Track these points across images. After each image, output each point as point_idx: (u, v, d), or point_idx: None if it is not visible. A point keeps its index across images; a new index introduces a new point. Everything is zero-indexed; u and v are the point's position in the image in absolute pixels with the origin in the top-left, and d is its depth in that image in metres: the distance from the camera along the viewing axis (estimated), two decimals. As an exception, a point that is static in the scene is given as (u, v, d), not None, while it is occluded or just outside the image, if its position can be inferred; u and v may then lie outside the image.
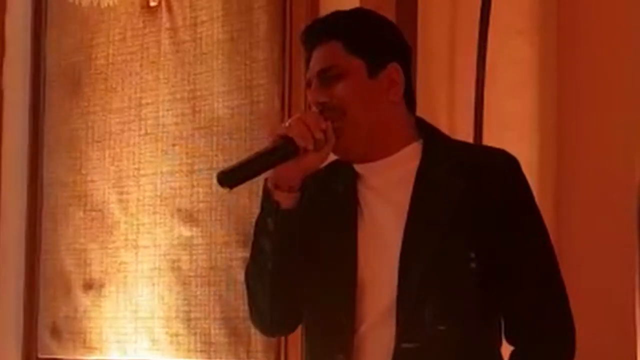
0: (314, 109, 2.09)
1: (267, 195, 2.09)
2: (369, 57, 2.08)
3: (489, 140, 2.94)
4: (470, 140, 2.96)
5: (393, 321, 2.02)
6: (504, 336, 2.10)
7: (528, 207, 2.10)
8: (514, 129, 3.02)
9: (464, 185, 2.05)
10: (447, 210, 2.04)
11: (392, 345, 2.01)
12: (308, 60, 2.14)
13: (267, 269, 2.10)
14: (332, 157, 2.13)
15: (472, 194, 2.04)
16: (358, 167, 2.12)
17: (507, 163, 2.10)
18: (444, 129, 3.00)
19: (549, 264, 2.10)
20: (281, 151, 2.05)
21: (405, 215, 2.05)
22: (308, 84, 2.13)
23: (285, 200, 2.06)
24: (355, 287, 2.06)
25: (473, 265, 2.02)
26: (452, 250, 2.03)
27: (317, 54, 2.11)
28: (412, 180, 2.07)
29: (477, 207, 2.04)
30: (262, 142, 3.34)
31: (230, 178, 2.05)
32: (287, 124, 2.06)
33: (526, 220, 2.09)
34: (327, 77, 2.08)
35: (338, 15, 2.16)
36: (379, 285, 2.05)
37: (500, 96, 3.03)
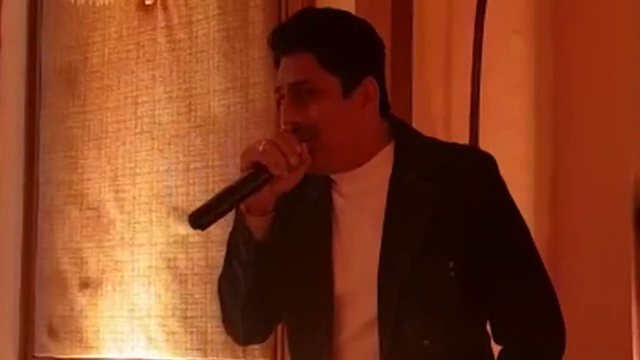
0: (285, 127, 2.01)
1: (240, 218, 2.03)
2: (344, 73, 2.00)
3: (485, 139, 2.94)
4: (467, 138, 2.96)
5: (375, 337, 1.99)
6: (492, 337, 2.07)
7: (504, 208, 2.05)
8: (510, 127, 3.01)
9: (438, 191, 2.00)
10: (422, 219, 1.99)
11: (373, 356, 1.98)
12: (277, 63, 2.05)
13: (239, 292, 2.07)
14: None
15: (446, 200, 1.99)
16: (332, 174, 2.08)
17: (480, 163, 2.05)
18: (441, 128, 3.02)
19: (531, 263, 2.05)
20: (255, 181, 1.97)
21: (380, 226, 2.01)
22: (278, 91, 2.05)
23: (258, 224, 2.01)
24: (332, 302, 2.03)
25: (452, 274, 1.98)
26: (431, 262, 1.99)
27: (288, 63, 2.02)
28: (386, 188, 2.03)
29: (453, 214, 1.99)
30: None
31: (203, 219, 1.97)
32: (261, 149, 1.97)
33: (503, 222, 2.04)
34: (301, 92, 2.00)
35: (310, 21, 2.06)
36: (357, 300, 2.02)
37: (496, 95, 3.03)
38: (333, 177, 2.08)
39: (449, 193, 2.00)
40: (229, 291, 2.10)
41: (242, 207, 2.01)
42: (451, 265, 1.98)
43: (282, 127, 2.04)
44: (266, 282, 2.05)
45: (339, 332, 2.04)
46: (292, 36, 2.04)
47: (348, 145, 2.02)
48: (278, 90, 2.05)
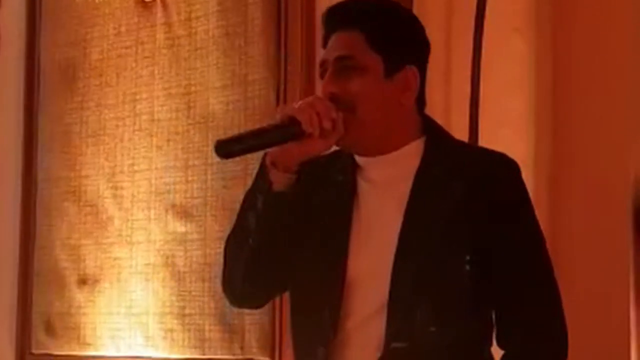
0: (322, 96, 2.06)
1: (262, 170, 2.07)
2: (389, 55, 2.06)
3: (484, 137, 2.94)
4: (466, 137, 2.96)
5: (383, 319, 2.01)
6: (495, 339, 2.09)
7: (522, 213, 2.09)
8: (509, 126, 3.01)
9: (462, 188, 2.04)
10: (444, 212, 2.03)
11: (380, 343, 2.00)
12: (326, 40, 2.11)
13: (247, 244, 2.09)
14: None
15: (469, 198, 2.04)
16: (359, 159, 2.12)
17: (505, 168, 2.10)
18: (440, 126, 3.01)
19: (542, 268, 2.09)
20: (285, 131, 2.02)
21: (401, 214, 2.04)
22: (322, 65, 2.10)
23: (279, 180, 2.05)
24: (343, 282, 2.05)
25: (467, 267, 2.02)
26: (447, 252, 2.02)
27: (337, 39, 2.08)
28: (411, 178, 2.06)
29: (474, 211, 2.03)
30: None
31: (227, 148, 2.01)
32: (297, 105, 2.03)
33: (520, 226, 2.08)
34: (344, 67, 2.06)
35: (364, 2, 2.12)
36: (369, 282, 2.04)
37: (495, 93, 3.03)
38: (360, 162, 2.11)
39: (471, 191, 2.04)
40: (236, 245, 2.12)
41: (267, 160, 2.05)
42: (467, 258, 2.02)
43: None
44: (276, 237, 2.08)
45: (347, 316, 2.05)
46: (345, 14, 2.10)
47: (380, 125, 2.07)
48: (322, 64, 2.10)
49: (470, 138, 2.96)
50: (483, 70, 2.99)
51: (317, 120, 2.01)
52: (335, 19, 2.10)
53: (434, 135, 2.12)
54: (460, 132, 2.96)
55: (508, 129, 3.01)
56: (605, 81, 2.97)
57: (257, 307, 2.31)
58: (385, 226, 2.06)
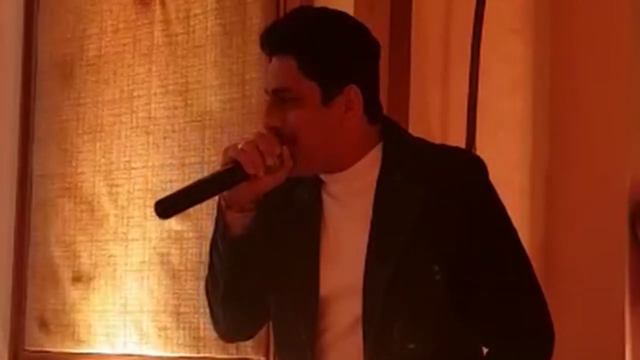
0: (266, 131, 2.01)
1: (220, 213, 2.04)
2: (324, 81, 1.99)
3: (482, 139, 2.94)
4: (463, 138, 2.96)
5: (359, 338, 1.98)
6: (481, 340, 2.06)
7: (490, 212, 2.03)
8: (507, 128, 3.02)
9: (424, 193, 1.98)
10: (408, 221, 1.98)
11: None
12: (269, 61, 2.06)
13: (219, 286, 2.08)
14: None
15: (432, 203, 1.98)
16: (322, 175, 2.08)
17: (468, 167, 2.04)
18: (437, 128, 3.02)
19: (518, 264, 2.03)
20: (228, 178, 1.97)
21: (367, 227, 2.01)
22: (265, 91, 2.06)
23: (237, 221, 2.02)
24: (316, 302, 2.03)
25: (438, 277, 1.97)
26: (415, 264, 1.97)
27: (274, 66, 2.03)
28: (373, 189, 2.02)
29: (438, 217, 1.98)
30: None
31: (168, 207, 1.95)
32: (239, 146, 1.98)
33: (489, 225, 2.02)
34: (281, 99, 2.00)
35: (297, 23, 2.05)
36: (342, 298, 2.02)
37: (493, 95, 3.03)
38: (323, 177, 2.08)
39: (434, 195, 1.99)
40: (211, 286, 2.12)
41: (222, 202, 2.02)
42: (436, 268, 1.97)
43: (262, 130, 2.03)
44: (244, 277, 2.06)
45: (323, 332, 2.04)
46: (277, 38, 2.04)
47: (328, 150, 2.03)
48: (265, 90, 2.07)
49: (467, 140, 2.96)
50: (481, 72, 2.99)
51: (260, 159, 1.96)
52: (269, 43, 2.05)
53: (391, 140, 2.06)
54: (458, 134, 2.96)
55: (505, 130, 3.01)
56: (603, 83, 2.98)
57: (248, 339, 2.28)
58: (352, 241, 2.02)
